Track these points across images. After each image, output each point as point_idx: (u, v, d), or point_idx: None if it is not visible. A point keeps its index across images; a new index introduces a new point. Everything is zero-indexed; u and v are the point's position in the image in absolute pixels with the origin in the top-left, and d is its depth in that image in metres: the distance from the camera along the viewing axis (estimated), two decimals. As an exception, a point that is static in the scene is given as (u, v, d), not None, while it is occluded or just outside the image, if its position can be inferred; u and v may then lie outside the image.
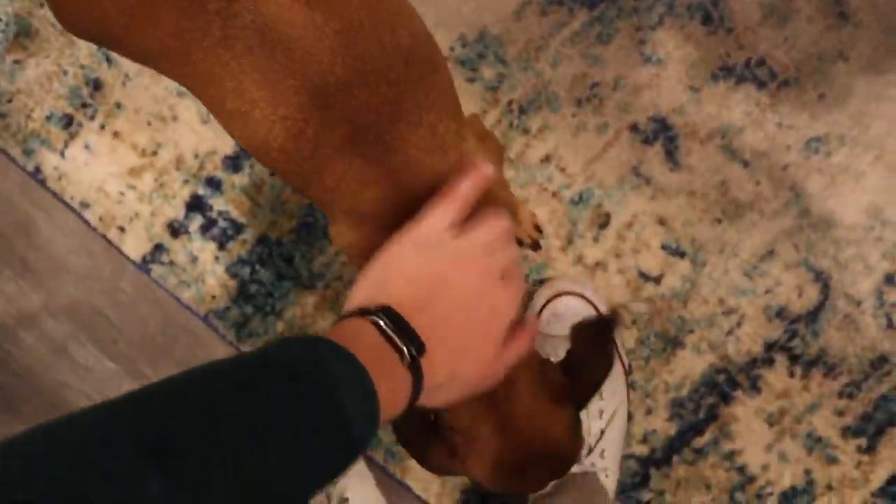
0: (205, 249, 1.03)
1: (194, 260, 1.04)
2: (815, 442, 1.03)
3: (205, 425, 0.35)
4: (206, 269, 1.03)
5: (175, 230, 1.03)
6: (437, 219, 0.51)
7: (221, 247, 1.03)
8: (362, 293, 0.50)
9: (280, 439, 0.37)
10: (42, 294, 1.05)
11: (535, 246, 0.96)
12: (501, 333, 0.52)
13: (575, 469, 0.91)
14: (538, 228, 0.95)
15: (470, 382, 0.51)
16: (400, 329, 0.46)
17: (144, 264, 1.04)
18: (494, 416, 0.56)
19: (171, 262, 1.04)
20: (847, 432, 1.03)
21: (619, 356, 0.97)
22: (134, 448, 0.32)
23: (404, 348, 0.46)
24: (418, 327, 0.47)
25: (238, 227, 1.02)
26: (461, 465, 0.59)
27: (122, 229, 1.04)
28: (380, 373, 0.43)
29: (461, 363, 0.50)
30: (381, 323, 0.46)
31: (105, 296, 1.05)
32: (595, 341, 0.59)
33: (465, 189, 0.52)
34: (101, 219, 1.04)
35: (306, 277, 1.02)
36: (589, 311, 0.94)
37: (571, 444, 0.59)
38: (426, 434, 0.60)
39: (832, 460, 1.03)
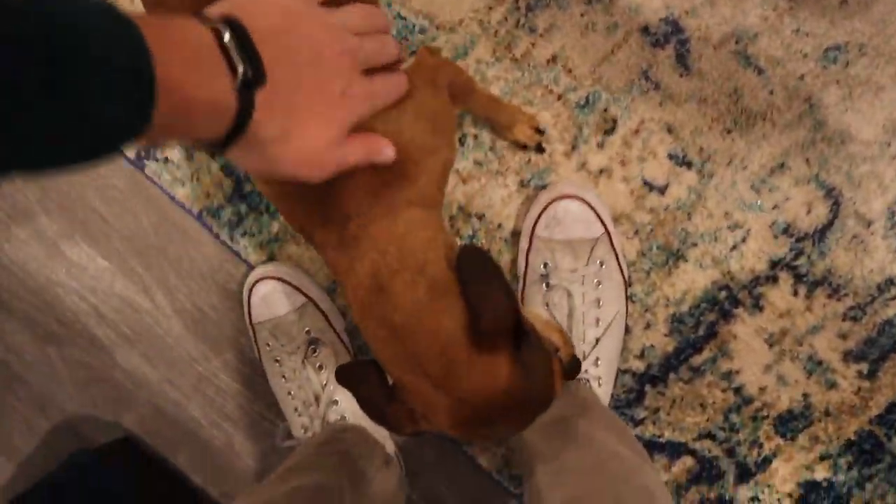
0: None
1: (190, 157, 1.01)
2: (815, 365, 1.01)
3: None
4: (202, 167, 1.01)
5: (170, 126, 1.01)
6: None
7: (217, 144, 1.01)
8: (216, 8, 0.44)
9: None
10: (36, 190, 1.04)
11: (539, 149, 0.94)
12: (344, 123, 0.48)
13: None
14: (539, 130, 0.93)
15: (302, 158, 0.47)
16: (242, 46, 0.41)
17: (139, 161, 1.02)
18: (433, 379, 0.54)
19: (166, 160, 1.02)
20: (849, 357, 1.01)
21: (619, 266, 0.95)
22: None
23: (239, 67, 0.41)
24: (266, 61, 0.42)
25: (234, 124, 1.00)
26: (424, 426, 0.58)
27: (116, 123, 1.01)
28: (187, 69, 0.38)
29: (297, 127, 0.45)
30: (221, 28, 0.41)
31: (98, 192, 1.03)
32: (476, 275, 0.54)
33: None
34: (95, 112, 1.01)
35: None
36: (589, 216, 0.91)
37: (528, 388, 0.55)
38: (385, 397, 0.58)
39: (831, 385, 1.02)
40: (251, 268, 1.02)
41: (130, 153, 1.02)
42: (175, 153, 1.01)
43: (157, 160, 1.02)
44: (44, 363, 1.07)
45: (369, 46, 0.51)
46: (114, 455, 1.02)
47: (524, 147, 0.94)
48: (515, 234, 0.98)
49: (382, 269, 0.55)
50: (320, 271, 1.02)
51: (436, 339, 0.54)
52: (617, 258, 0.94)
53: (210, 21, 0.41)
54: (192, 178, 1.02)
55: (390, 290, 0.55)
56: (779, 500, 1.06)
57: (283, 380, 0.97)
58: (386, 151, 0.53)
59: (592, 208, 0.91)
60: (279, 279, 0.98)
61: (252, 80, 0.41)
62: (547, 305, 0.93)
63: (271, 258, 1.02)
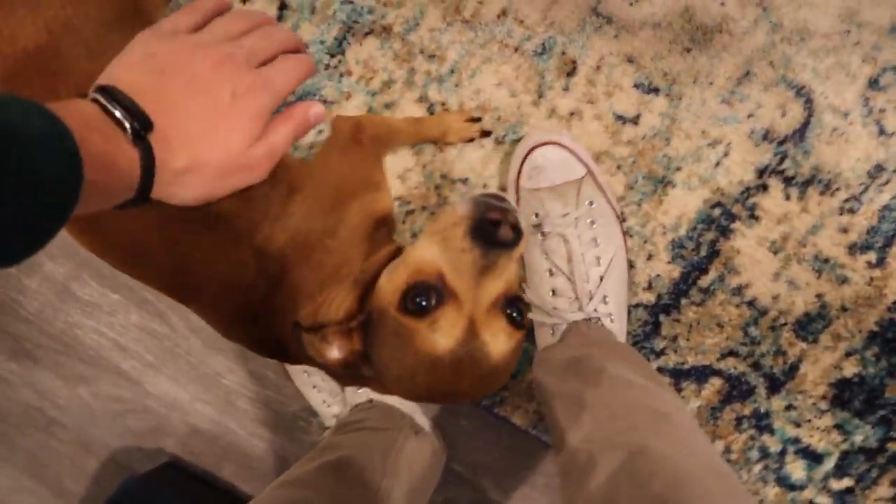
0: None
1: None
2: (822, 263, 1.01)
3: None
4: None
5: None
6: (177, 18, 0.52)
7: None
8: (94, 85, 0.48)
9: None
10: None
11: (485, 133, 0.96)
12: (253, 119, 0.50)
13: (577, 317, 0.91)
14: (474, 119, 0.95)
15: (226, 171, 0.49)
16: (120, 104, 0.45)
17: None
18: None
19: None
20: (854, 249, 1.01)
21: (609, 202, 0.96)
22: None
23: (126, 122, 0.45)
24: (147, 107, 0.46)
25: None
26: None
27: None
28: (91, 139, 0.42)
29: (203, 147, 0.48)
30: (99, 98, 0.45)
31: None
32: None
33: (209, 4, 0.53)
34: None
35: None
36: (568, 159, 0.93)
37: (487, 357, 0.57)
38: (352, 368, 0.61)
39: (843, 280, 1.02)
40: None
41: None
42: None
43: (148, 190, 1.05)
44: (77, 404, 1.10)
45: (250, 42, 0.52)
46: (162, 479, 1.05)
47: (471, 140, 0.97)
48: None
49: None
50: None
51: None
52: (605, 195, 0.95)
53: (89, 94, 0.46)
54: (185, 200, 1.05)
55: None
56: (814, 403, 1.06)
57: (306, 375, 0.99)
58: (312, 112, 0.54)
59: (570, 150, 0.93)
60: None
61: (140, 128, 0.45)
62: (546, 254, 0.94)
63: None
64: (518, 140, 0.97)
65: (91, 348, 1.08)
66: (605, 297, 0.94)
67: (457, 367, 0.56)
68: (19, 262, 0.40)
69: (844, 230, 1.00)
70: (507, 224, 0.55)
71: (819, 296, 1.02)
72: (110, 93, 0.46)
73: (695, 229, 1.00)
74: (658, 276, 1.02)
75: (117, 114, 0.45)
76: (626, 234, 1.00)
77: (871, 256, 1.01)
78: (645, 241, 1.01)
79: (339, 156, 0.73)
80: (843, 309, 1.03)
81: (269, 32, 0.53)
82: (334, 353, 0.59)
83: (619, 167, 0.98)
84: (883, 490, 1.09)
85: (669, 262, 1.01)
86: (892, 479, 1.09)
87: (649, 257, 1.01)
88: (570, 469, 0.69)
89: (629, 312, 1.03)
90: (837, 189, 0.99)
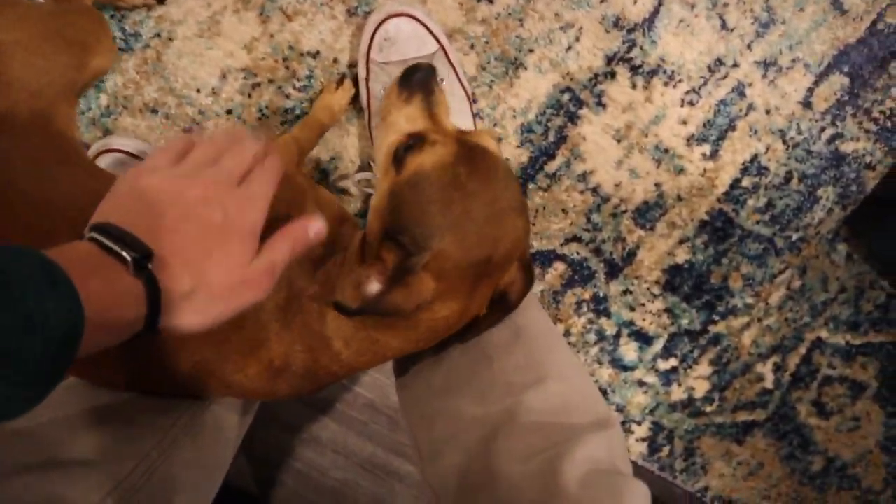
0: None
1: None
2: (662, 153, 1.05)
3: None
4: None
5: None
6: (155, 158, 0.54)
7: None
8: (87, 225, 0.50)
9: None
10: None
11: (356, 88, 0.96)
12: (247, 236, 0.52)
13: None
14: (340, 82, 0.95)
15: (230, 289, 0.51)
16: (118, 239, 0.46)
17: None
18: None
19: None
20: (692, 140, 1.06)
21: (460, 81, 0.94)
22: None
23: (125, 254, 0.46)
24: (144, 237, 0.47)
25: None
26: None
27: None
28: (90, 278, 0.43)
29: (206, 271, 0.49)
30: (96, 235, 0.46)
31: None
32: None
33: (180, 141, 0.55)
34: None
35: (121, 39, 0.94)
36: (420, 32, 0.90)
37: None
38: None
39: (680, 170, 1.07)
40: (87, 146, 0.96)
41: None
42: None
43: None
44: None
45: (228, 165, 0.54)
46: None
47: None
48: (353, 67, 0.96)
49: None
50: (160, 139, 0.98)
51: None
52: (457, 73, 0.94)
53: (84, 236, 0.47)
54: None
55: None
56: (647, 288, 1.13)
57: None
58: (313, 231, 0.55)
59: (423, 24, 0.90)
60: (121, 151, 0.94)
61: (142, 258, 0.46)
62: (396, 133, 0.92)
63: (108, 133, 0.97)
64: (370, 12, 0.93)
65: None
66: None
67: (474, 168, 0.59)
68: (21, 414, 0.39)
69: (684, 122, 1.04)
70: (421, 67, 0.67)
71: (658, 185, 1.07)
72: (105, 229, 0.46)
73: (543, 114, 1.01)
74: (507, 159, 1.03)
75: (116, 248, 0.45)
76: (477, 115, 0.99)
77: (706, 148, 1.06)
78: (494, 124, 1.01)
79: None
80: (679, 198, 1.08)
81: (240, 150, 0.55)
82: (374, 286, 0.58)
83: (472, 46, 0.97)
84: (702, 368, 1.19)
85: (518, 147, 1.02)
86: (710, 358, 1.19)
87: (498, 140, 1.02)
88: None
89: (479, 197, 1.04)
90: (680, 81, 1.02)
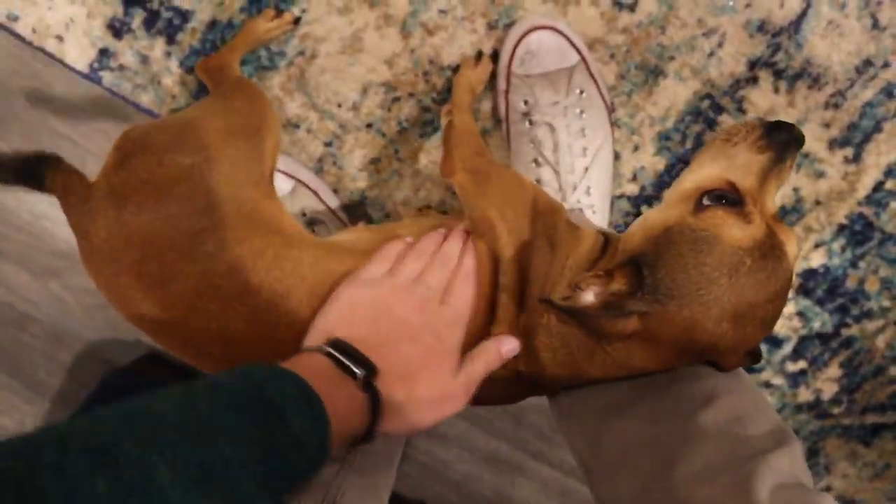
0: (153, 46, 0.97)
1: (144, 60, 0.97)
2: (802, 157, 1.03)
3: (147, 433, 0.39)
4: (160, 68, 0.97)
5: (117, 30, 0.96)
6: (371, 269, 0.62)
7: (171, 40, 0.96)
8: (316, 334, 0.57)
9: (224, 450, 0.40)
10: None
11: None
12: (452, 354, 0.58)
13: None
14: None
15: (434, 402, 0.56)
16: (349, 355, 0.53)
17: (93, 73, 0.97)
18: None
19: (121, 67, 0.97)
20: (833, 144, 1.02)
21: (600, 92, 0.94)
22: (85, 453, 0.36)
23: (357, 371, 0.52)
24: (369, 354, 0.53)
25: (184, 16, 0.95)
26: None
27: (59, 38, 0.96)
28: (331, 393, 0.48)
29: (416, 383, 0.55)
30: (331, 351, 0.53)
31: (59, 116, 1.00)
32: None
33: (393, 249, 0.63)
34: (34, 30, 0.96)
35: (266, 58, 0.96)
36: (562, 45, 0.90)
37: None
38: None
39: (820, 175, 1.04)
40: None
41: (83, 67, 0.97)
42: (128, 58, 0.97)
43: (111, 69, 0.98)
44: (49, 297, 1.06)
45: (435, 280, 0.61)
46: (144, 371, 1.04)
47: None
48: (492, 80, 0.96)
49: None
50: (302, 153, 1.01)
51: None
52: (597, 84, 0.93)
53: (316, 349, 0.54)
54: (153, 82, 0.98)
55: None
56: (780, 293, 1.11)
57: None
58: (505, 350, 0.61)
59: (565, 36, 0.90)
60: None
61: (368, 374, 0.53)
62: (533, 144, 0.93)
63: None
64: (511, 24, 0.93)
65: (62, 241, 1.03)
66: (588, 188, 0.94)
67: (760, 268, 0.55)
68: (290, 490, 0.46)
69: (827, 125, 1.01)
70: (795, 133, 0.60)
71: (796, 189, 1.05)
72: (338, 345, 0.53)
73: (682, 121, 1.00)
74: (643, 167, 1.02)
75: (349, 364, 0.52)
76: (614, 125, 0.98)
77: (849, 152, 1.03)
78: (632, 133, 1.00)
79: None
80: (817, 203, 1.06)
81: (444, 262, 0.62)
82: (589, 297, 0.58)
83: (612, 56, 0.96)
84: (832, 371, 1.17)
85: (655, 154, 1.01)
86: (841, 361, 1.17)
87: (635, 149, 1.01)
88: None
89: (612, 203, 1.04)
90: (825, 83, 0.99)
